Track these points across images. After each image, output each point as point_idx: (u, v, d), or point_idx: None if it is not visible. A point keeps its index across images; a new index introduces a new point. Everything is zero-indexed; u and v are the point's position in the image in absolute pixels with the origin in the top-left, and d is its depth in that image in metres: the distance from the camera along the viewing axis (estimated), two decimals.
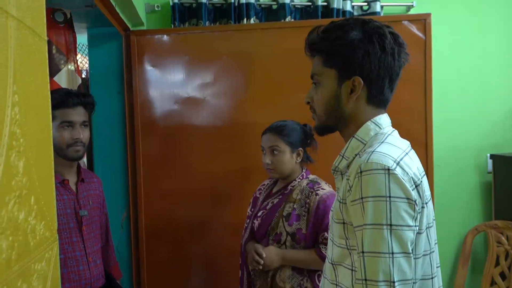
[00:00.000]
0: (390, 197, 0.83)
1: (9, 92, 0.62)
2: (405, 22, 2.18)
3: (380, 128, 0.98)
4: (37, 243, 0.72)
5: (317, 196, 1.57)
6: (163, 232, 2.34)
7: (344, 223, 0.94)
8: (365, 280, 0.84)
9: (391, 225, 0.83)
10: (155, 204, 2.33)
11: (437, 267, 0.97)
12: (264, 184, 1.84)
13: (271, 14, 2.56)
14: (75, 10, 1.97)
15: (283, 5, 2.50)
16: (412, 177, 0.87)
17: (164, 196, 2.33)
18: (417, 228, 0.87)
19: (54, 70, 1.87)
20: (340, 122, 1.02)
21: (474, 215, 2.73)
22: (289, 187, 1.67)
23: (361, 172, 0.87)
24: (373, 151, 0.90)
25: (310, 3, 2.55)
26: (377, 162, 0.86)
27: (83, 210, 1.57)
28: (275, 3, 2.54)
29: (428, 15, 2.16)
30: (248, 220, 1.76)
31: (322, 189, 1.60)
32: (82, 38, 2.47)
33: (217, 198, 2.32)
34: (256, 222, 1.67)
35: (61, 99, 1.51)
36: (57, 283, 0.81)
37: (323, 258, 1.52)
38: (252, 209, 1.78)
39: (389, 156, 0.88)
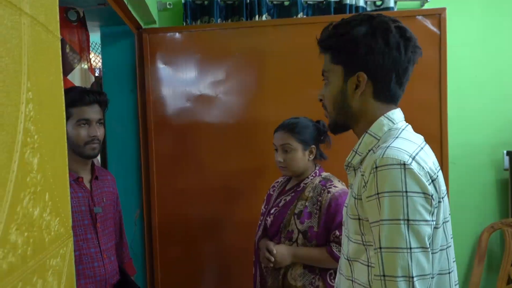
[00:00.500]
0: (406, 192, 0.83)
1: (23, 89, 0.63)
2: (420, 17, 2.14)
3: (393, 123, 0.97)
4: (52, 239, 0.72)
5: (329, 194, 1.56)
6: (176, 230, 2.35)
7: (359, 219, 0.94)
8: (384, 276, 0.83)
9: (408, 220, 0.82)
10: (168, 202, 2.34)
11: (453, 261, 0.97)
12: (278, 181, 1.83)
13: (283, 11, 2.55)
14: (88, 8, 1.98)
15: (295, 2, 2.48)
16: (428, 172, 0.87)
17: (177, 193, 2.34)
18: (434, 222, 0.87)
19: (67, 68, 1.88)
20: (349, 119, 1.02)
21: (490, 212, 2.69)
22: (301, 185, 1.66)
23: (376, 167, 0.87)
24: (388, 146, 0.89)
25: None
26: (393, 157, 0.86)
27: (98, 208, 1.59)
28: None
29: (443, 9, 2.13)
30: (261, 217, 1.76)
31: (335, 186, 1.59)
32: (95, 37, 2.49)
33: (230, 196, 2.32)
34: (269, 219, 1.67)
35: (77, 97, 1.53)
36: (72, 279, 0.82)
37: (334, 256, 1.50)
38: (266, 206, 1.77)
39: (405, 151, 0.87)
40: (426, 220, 0.84)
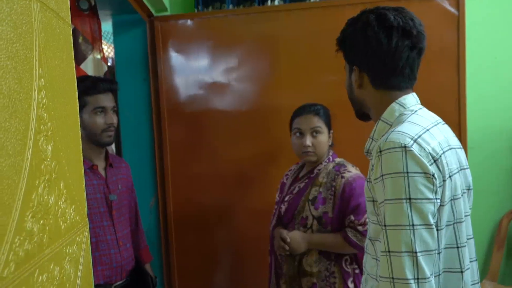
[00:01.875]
0: (407, 172, 0.87)
1: (35, 75, 0.62)
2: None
3: (404, 108, 1.02)
4: (67, 227, 0.72)
5: (343, 179, 1.55)
6: (191, 217, 2.36)
7: (373, 200, 0.99)
8: (389, 252, 0.88)
9: (410, 199, 0.86)
10: (182, 190, 2.35)
11: (468, 238, 0.99)
12: (290, 170, 1.82)
13: None
14: None
15: None
16: (430, 153, 0.90)
17: (191, 181, 2.35)
18: (439, 201, 0.90)
19: (80, 58, 1.88)
20: (362, 108, 1.11)
21: (509, 198, 2.63)
22: (315, 171, 1.64)
23: (380, 151, 0.92)
24: (392, 131, 0.94)
25: None
26: (395, 140, 0.90)
27: (113, 195, 1.60)
28: None
29: None
30: (276, 206, 1.75)
31: (348, 171, 1.57)
32: (107, 26, 2.48)
33: (244, 183, 2.31)
34: (283, 207, 1.66)
35: (91, 86, 1.55)
36: (89, 266, 0.82)
37: (349, 241, 1.49)
38: (280, 195, 1.76)
39: (407, 134, 0.91)
40: (429, 198, 0.87)
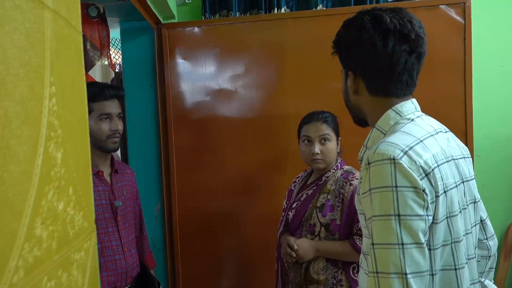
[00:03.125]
0: (396, 187, 0.82)
1: (46, 83, 0.63)
2: (443, 7, 2.09)
3: (400, 116, 0.96)
4: (76, 233, 0.73)
5: (351, 186, 1.54)
6: (197, 224, 2.36)
7: (364, 214, 0.93)
8: (377, 272, 0.82)
9: (399, 215, 0.81)
10: (188, 196, 2.35)
11: (468, 258, 0.93)
12: (298, 177, 1.82)
13: (302, 3, 2.51)
14: (108, 4, 1.99)
15: None
16: (421, 166, 0.84)
17: (197, 188, 2.35)
18: (430, 217, 0.84)
19: (88, 64, 1.90)
20: (359, 114, 1.06)
21: None
22: (323, 178, 1.64)
23: (369, 163, 0.86)
24: (382, 142, 0.89)
25: None
26: (383, 152, 0.85)
27: (118, 201, 1.61)
28: None
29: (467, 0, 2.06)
30: (283, 213, 1.74)
31: (357, 179, 1.57)
32: (114, 33, 2.51)
33: (250, 190, 2.31)
34: (291, 214, 1.66)
35: (98, 92, 1.55)
36: (96, 272, 0.82)
37: (357, 249, 1.49)
38: (287, 202, 1.76)
39: (396, 145, 0.86)
40: (419, 215, 0.81)
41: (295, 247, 1.54)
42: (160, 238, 2.40)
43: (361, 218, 0.96)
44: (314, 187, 1.65)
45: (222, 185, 2.33)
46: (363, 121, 1.07)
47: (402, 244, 0.80)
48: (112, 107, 1.59)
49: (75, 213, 0.73)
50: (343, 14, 2.18)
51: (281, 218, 1.75)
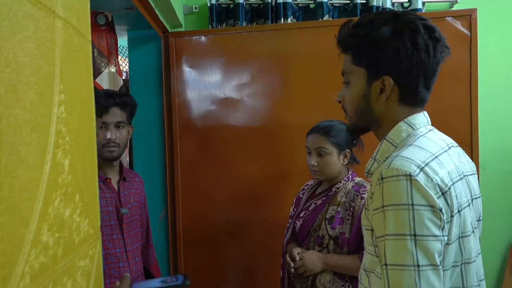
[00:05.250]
0: (412, 205, 0.78)
1: (56, 91, 0.63)
2: (449, 19, 2.09)
3: (413, 128, 0.92)
4: (81, 240, 0.73)
5: (363, 200, 1.51)
6: (201, 232, 2.35)
7: (372, 230, 0.89)
8: None
9: (415, 235, 0.77)
10: (193, 204, 2.35)
11: (480, 280, 0.90)
12: (307, 184, 1.80)
13: (308, 13, 2.53)
14: (116, 13, 2.01)
15: (321, 4, 2.46)
16: (438, 184, 0.80)
17: (202, 196, 2.35)
18: (446, 238, 0.81)
19: (95, 72, 1.92)
20: (371, 123, 0.98)
21: None
22: (333, 189, 1.62)
23: (382, 178, 0.82)
24: (396, 156, 0.84)
25: (348, 1, 2.51)
26: (399, 167, 0.81)
27: (124, 208, 1.61)
28: (312, 2, 2.51)
29: (474, 10, 2.07)
30: (290, 220, 1.73)
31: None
32: (122, 41, 2.53)
33: (255, 199, 2.31)
34: (298, 223, 1.64)
35: (95, 101, 1.54)
36: (100, 280, 0.82)
37: None
38: (295, 209, 1.75)
39: (412, 161, 0.82)
40: (435, 235, 0.78)
41: (297, 258, 1.53)
42: (164, 246, 2.39)
43: (366, 233, 0.92)
44: (324, 198, 1.63)
45: (226, 194, 2.33)
46: (363, 130, 1.03)
47: (418, 266, 0.76)
48: (109, 116, 1.58)
49: (81, 220, 0.74)
50: None
51: (288, 225, 1.74)
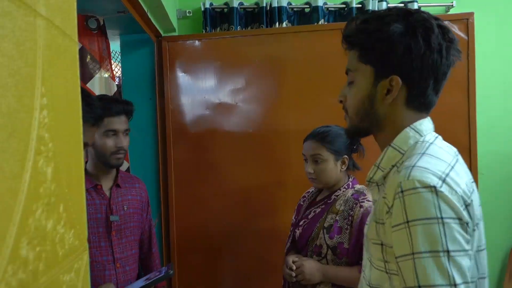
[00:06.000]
0: (442, 218, 0.72)
1: (37, 94, 0.59)
2: (446, 22, 2.06)
3: (420, 135, 0.87)
4: (65, 253, 0.68)
5: (362, 209, 1.46)
6: (195, 240, 2.31)
7: (382, 244, 0.84)
8: None
9: (448, 251, 0.71)
10: (187, 212, 2.31)
11: None
12: (308, 192, 1.76)
13: (303, 18, 2.51)
14: (108, 16, 1.98)
15: (316, 8, 2.44)
16: (462, 196, 0.76)
17: (196, 203, 2.31)
18: (471, 253, 0.76)
19: (87, 76, 1.87)
20: (373, 126, 0.92)
21: None
22: (332, 197, 1.57)
23: (402, 191, 0.76)
24: (413, 166, 0.78)
25: (344, 5, 2.49)
26: (420, 179, 0.75)
27: (114, 216, 1.56)
28: (307, 6, 2.49)
29: (471, 14, 2.05)
30: (291, 228, 1.69)
31: (368, 200, 1.48)
32: (115, 45, 2.49)
33: (250, 206, 2.27)
34: (297, 232, 1.60)
35: (106, 107, 1.52)
36: None
37: None
38: (296, 217, 1.70)
39: (432, 172, 0.76)
40: (465, 250, 0.73)
41: (293, 267, 1.48)
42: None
43: (374, 248, 0.86)
44: (323, 206, 1.58)
45: (221, 201, 2.29)
46: (363, 133, 0.96)
47: (455, 285, 0.71)
48: (119, 123, 1.57)
49: (66, 232, 0.69)
50: None
51: (289, 233, 1.70)
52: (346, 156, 1.56)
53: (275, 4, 2.42)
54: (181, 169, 2.30)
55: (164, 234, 2.33)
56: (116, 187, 1.62)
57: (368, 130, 0.94)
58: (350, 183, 1.58)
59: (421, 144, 0.85)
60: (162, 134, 2.32)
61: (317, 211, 1.58)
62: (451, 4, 2.48)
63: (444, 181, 0.75)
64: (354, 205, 1.49)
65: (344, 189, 1.56)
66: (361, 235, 1.43)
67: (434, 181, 0.75)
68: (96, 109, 1.38)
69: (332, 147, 1.54)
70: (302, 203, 1.73)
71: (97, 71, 1.94)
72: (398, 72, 0.84)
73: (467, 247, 0.74)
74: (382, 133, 0.92)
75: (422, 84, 0.85)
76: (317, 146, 1.55)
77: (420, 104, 0.88)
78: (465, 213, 0.74)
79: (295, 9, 2.51)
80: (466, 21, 2.05)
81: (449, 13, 2.49)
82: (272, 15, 2.43)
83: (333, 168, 1.55)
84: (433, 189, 0.74)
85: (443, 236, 0.72)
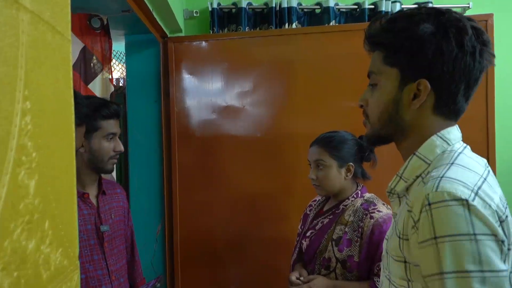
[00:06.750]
0: (475, 234, 0.66)
1: (18, 98, 0.52)
2: None
3: (448, 144, 0.80)
4: (51, 275, 0.61)
5: (372, 220, 1.38)
6: (199, 247, 2.24)
7: (405, 262, 0.77)
8: None
9: (482, 271, 0.65)
10: (191, 218, 2.24)
11: None
12: (315, 200, 1.68)
13: (314, 19, 2.44)
14: (112, 15, 1.92)
15: (327, 9, 2.37)
16: (496, 210, 0.69)
17: (200, 209, 2.24)
18: (507, 274, 0.69)
19: (89, 78, 1.82)
20: (397, 133, 0.85)
21: None
22: (340, 207, 1.49)
23: (429, 204, 0.69)
24: (441, 177, 0.72)
25: (356, 6, 2.41)
26: (450, 191, 0.69)
27: (104, 225, 1.47)
28: (318, 7, 2.41)
29: (490, 15, 1.97)
30: (297, 239, 1.61)
31: (378, 211, 1.41)
32: (120, 46, 2.43)
33: (257, 213, 2.20)
34: (304, 243, 1.52)
35: (106, 109, 1.46)
36: None
37: None
38: (302, 227, 1.63)
39: (463, 184, 0.70)
40: (501, 270, 0.66)
41: (300, 283, 1.41)
42: (160, 262, 2.27)
43: (397, 265, 0.79)
44: (331, 216, 1.50)
45: (227, 207, 2.22)
46: (385, 140, 0.89)
47: None
48: (116, 126, 1.51)
49: (52, 251, 0.62)
50: (356, 30, 2.08)
51: (295, 244, 1.62)
52: (351, 163, 1.49)
53: (284, 5, 2.36)
54: (186, 174, 2.23)
55: (168, 240, 2.26)
56: (102, 195, 1.53)
57: (391, 137, 0.87)
58: (359, 192, 1.51)
59: (449, 154, 0.79)
60: (167, 138, 2.26)
61: (324, 222, 1.50)
62: (468, 5, 2.39)
63: (476, 194, 0.69)
64: (364, 216, 1.41)
65: (353, 199, 1.49)
66: (371, 248, 1.36)
67: (466, 193, 0.68)
68: (81, 108, 1.30)
69: (336, 153, 1.47)
70: (308, 212, 1.66)
71: (99, 72, 1.88)
72: (427, 75, 0.78)
73: (503, 266, 0.67)
74: (406, 141, 0.85)
75: (453, 89, 0.79)
76: (320, 151, 1.49)
77: (449, 111, 0.81)
78: (499, 230, 0.68)
79: (305, 10, 2.43)
80: (485, 22, 1.96)
81: (465, 15, 2.40)
82: (282, 15, 2.37)
83: (336, 175, 1.48)
84: (465, 202, 0.67)
85: (476, 254, 0.65)
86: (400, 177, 0.84)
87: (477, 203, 0.67)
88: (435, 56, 0.76)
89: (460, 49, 0.76)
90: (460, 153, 0.79)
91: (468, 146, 0.84)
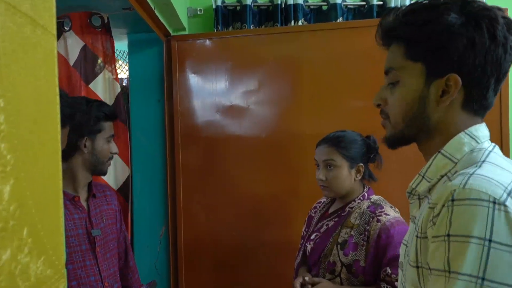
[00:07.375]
0: (490, 241, 0.60)
1: None
2: None
3: (477, 142, 0.75)
4: (31, 285, 0.57)
5: (379, 223, 1.33)
6: (204, 250, 2.20)
7: (417, 266, 0.72)
8: None
9: (483, 279, 0.60)
10: (195, 220, 2.20)
11: None
12: (320, 202, 1.63)
13: (321, 16, 2.38)
14: (113, 13, 1.88)
15: (334, 6, 2.31)
16: None
17: (204, 211, 2.20)
18: None
19: (90, 77, 1.78)
20: (422, 132, 0.80)
21: None
22: (346, 209, 1.44)
23: (453, 200, 0.64)
24: (472, 173, 0.67)
25: (364, 3, 2.35)
26: (479, 189, 0.63)
27: (96, 230, 1.42)
28: (325, 3, 2.36)
29: (504, 10, 1.88)
30: (302, 241, 1.56)
31: (386, 214, 1.35)
32: (122, 45, 2.40)
33: (262, 215, 2.15)
34: (309, 246, 1.47)
35: (110, 110, 1.47)
36: None
37: None
38: (306, 230, 1.58)
39: (496, 183, 0.64)
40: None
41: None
42: (164, 265, 2.24)
43: (412, 271, 0.73)
44: (336, 219, 1.45)
45: (232, 209, 2.17)
46: (407, 141, 0.84)
47: None
48: (113, 128, 1.50)
49: (31, 261, 0.58)
50: (365, 27, 2.03)
51: (299, 247, 1.57)
52: (361, 164, 1.44)
53: (290, 2, 2.31)
54: (190, 175, 2.20)
55: (172, 243, 2.22)
56: (92, 198, 1.48)
57: (415, 137, 0.82)
58: (366, 194, 1.46)
59: (479, 152, 0.73)
60: (170, 138, 2.22)
61: (330, 225, 1.45)
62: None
63: (510, 194, 0.63)
64: (371, 219, 1.36)
65: (360, 201, 1.44)
66: (378, 252, 1.31)
67: (498, 193, 0.63)
68: (64, 108, 1.25)
69: (347, 153, 1.42)
70: (313, 214, 1.61)
71: (100, 71, 1.85)
72: (457, 69, 0.73)
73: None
74: (430, 141, 0.80)
75: (484, 83, 0.73)
76: (330, 151, 1.43)
77: (479, 106, 0.76)
78: None
79: (311, 7, 2.38)
80: None
81: None
82: (287, 13, 2.32)
83: (347, 176, 1.42)
84: (492, 204, 0.62)
85: (484, 262, 0.60)
86: (423, 177, 0.79)
87: (510, 204, 0.62)
88: (467, 48, 0.71)
89: (493, 41, 0.71)
90: (490, 151, 0.74)
91: (497, 146, 0.78)
